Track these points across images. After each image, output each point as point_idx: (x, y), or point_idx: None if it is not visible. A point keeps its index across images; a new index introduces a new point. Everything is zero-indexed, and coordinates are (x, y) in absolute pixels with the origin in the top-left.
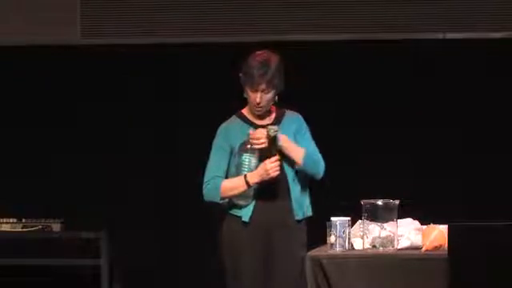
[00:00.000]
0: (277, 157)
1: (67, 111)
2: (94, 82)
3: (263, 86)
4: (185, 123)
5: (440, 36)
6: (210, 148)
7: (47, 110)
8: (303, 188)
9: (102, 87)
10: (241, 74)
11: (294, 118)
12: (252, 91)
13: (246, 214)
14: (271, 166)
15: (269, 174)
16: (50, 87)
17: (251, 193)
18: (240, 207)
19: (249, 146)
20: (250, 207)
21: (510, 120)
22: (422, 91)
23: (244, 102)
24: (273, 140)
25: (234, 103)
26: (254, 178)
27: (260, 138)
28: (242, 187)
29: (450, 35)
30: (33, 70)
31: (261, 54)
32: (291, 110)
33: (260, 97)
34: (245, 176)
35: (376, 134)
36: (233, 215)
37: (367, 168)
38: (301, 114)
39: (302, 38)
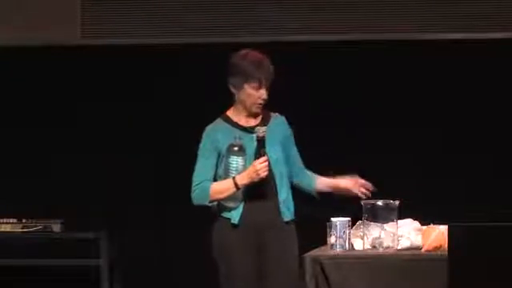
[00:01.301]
0: (265, 157)
1: (67, 111)
2: (94, 82)
3: (268, 83)
4: (185, 123)
5: (440, 36)
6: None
7: (47, 110)
8: (290, 189)
9: (102, 87)
10: (234, 74)
11: (279, 121)
12: (255, 88)
13: (235, 216)
14: (260, 167)
15: (258, 175)
16: (50, 87)
17: (240, 195)
18: (229, 209)
19: (236, 148)
20: (240, 209)
21: (511, 120)
22: (422, 91)
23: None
24: (261, 141)
25: (233, 103)
26: (243, 179)
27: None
28: (232, 189)
29: (449, 35)
30: (33, 70)
31: (252, 53)
32: (289, 110)
33: (265, 93)
34: (233, 178)
35: (376, 134)
36: (223, 217)
37: (367, 168)
38: (300, 114)
39: (302, 38)
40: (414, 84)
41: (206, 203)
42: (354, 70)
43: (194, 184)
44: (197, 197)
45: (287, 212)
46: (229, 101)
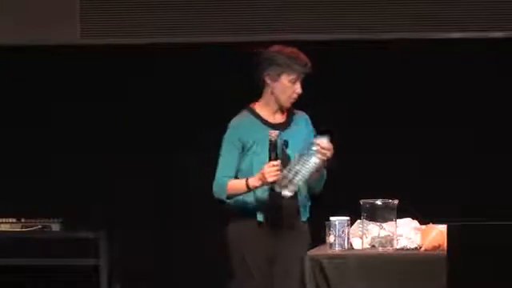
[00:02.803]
0: (275, 162)
1: (67, 111)
2: (94, 81)
3: (303, 77)
4: (185, 123)
5: (439, 36)
6: (210, 148)
7: (47, 109)
8: (307, 191)
9: (101, 87)
10: (270, 66)
11: (303, 118)
12: (292, 82)
13: (258, 215)
14: (268, 171)
15: (266, 179)
16: (50, 87)
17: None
18: (252, 209)
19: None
20: (262, 208)
21: (510, 120)
22: (421, 91)
23: (251, 98)
24: (274, 145)
25: (233, 103)
26: (255, 182)
27: (329, 148)
28: (244, 190)
29: (448, 35)
30: (32, 70)
31: (289, 47)
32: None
33: (300, 87)
34: (246, 179)
35: (375, 133)
36: (241, 216)
37: (367, 168)
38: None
39: (302, 38)
40: (412, 83)
41: (224, 198)
42: (353, 70)
43: (215, 177)
44: (216, 191)
45: (304, 212)
46: (228, 100)
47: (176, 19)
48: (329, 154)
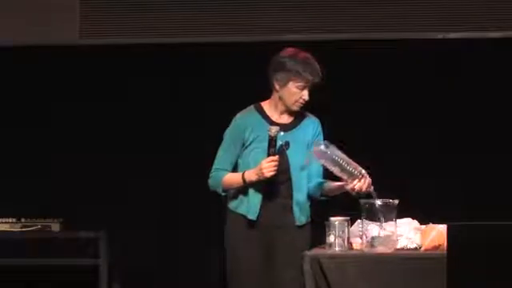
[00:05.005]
0: (274, 157)
1: (67, 111)
2: (94, 81)
3: (313, 85)
4: (185, 123)
5: (440, 36)
6: (210, 147)
7: (47, 109)
8: (307, 194)
9: (101, 87)
10: (280, 71)
11: (312, 123)
12: (300, 88)
13: (251, 213)
14: (266, 166)
15: (263, 174)
16: (50, 87)
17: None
18: (245, 206)
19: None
20: (254, 207)
21: (510, 120)
22: (420, 91)
23: (252, 99)
24: (273, 140)
25: (233, 103)
26: (251, 176)
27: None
28: (240, 184)
29: (448, 35)
30: (32, 70)
31: (302, 53)
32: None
33: (307, 94)
34: (243, 174)
35: (375, 133)
36: (237, 214)
37: (366, 168)
38: None
39: (302, 38)
40: (412, 83)
41: (220, 192)
42: (352, 69)
43: (211, 170)
44: (211, 183)
45: (301, 217)
46: (228, 100)
47: (176, 19)
48: (361, 187)
